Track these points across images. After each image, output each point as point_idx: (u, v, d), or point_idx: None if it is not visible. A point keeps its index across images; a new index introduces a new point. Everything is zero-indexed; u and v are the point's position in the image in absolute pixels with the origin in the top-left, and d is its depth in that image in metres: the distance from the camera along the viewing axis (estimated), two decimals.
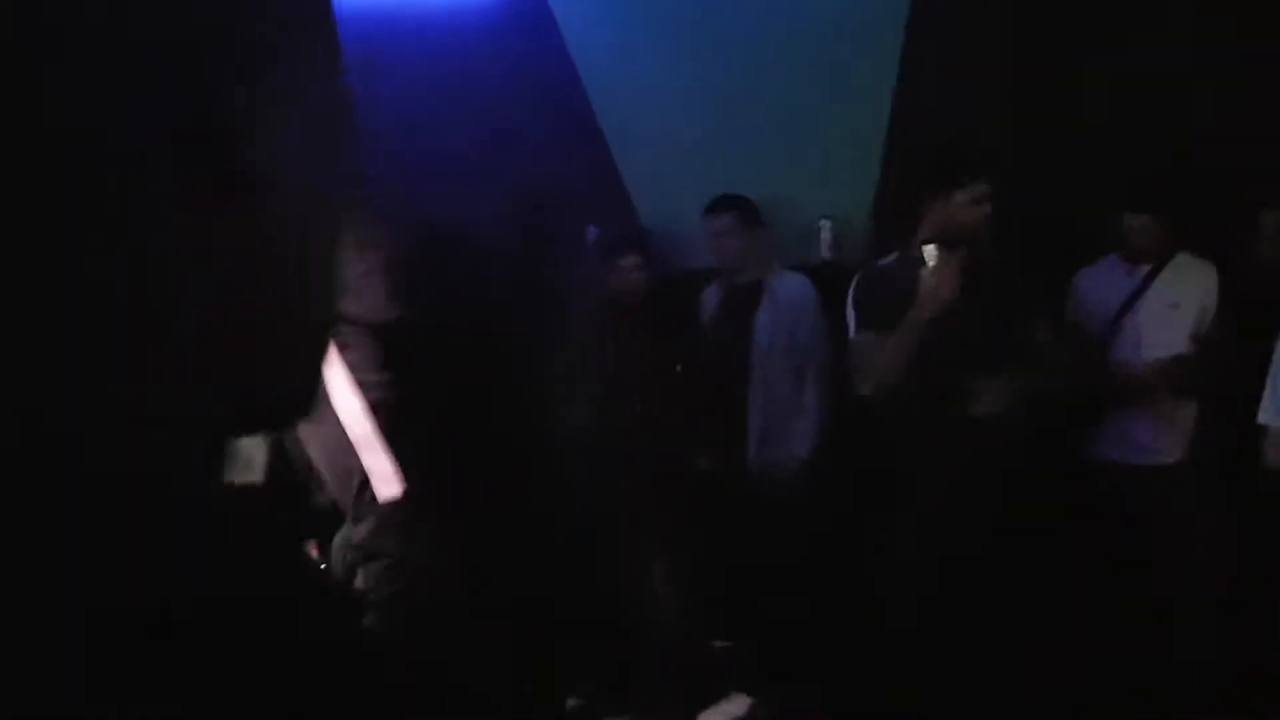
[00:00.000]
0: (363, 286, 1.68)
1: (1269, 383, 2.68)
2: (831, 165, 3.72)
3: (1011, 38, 3.36)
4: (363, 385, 1.56)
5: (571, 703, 3.08)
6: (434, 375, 1.56)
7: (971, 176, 2.69)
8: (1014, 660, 2.65)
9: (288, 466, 1.62)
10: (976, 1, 3.39)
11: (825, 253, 3.79)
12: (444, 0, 3.20)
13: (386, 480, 1.44)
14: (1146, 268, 3.10)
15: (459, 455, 1.53)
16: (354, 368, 1.58)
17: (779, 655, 3.26)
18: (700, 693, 3.24)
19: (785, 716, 3.20)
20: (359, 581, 1.59)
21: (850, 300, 2.89)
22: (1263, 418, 2.65)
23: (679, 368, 3.43)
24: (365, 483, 1.47)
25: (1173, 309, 3.05)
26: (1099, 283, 3.20)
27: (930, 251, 2.64)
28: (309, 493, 1.67)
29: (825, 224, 3.81)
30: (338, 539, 2.11)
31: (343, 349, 1.56)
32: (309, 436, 1.57)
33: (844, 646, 3.09)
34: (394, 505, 1.47)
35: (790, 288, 3.39)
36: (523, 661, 1.60)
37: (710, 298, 3.58)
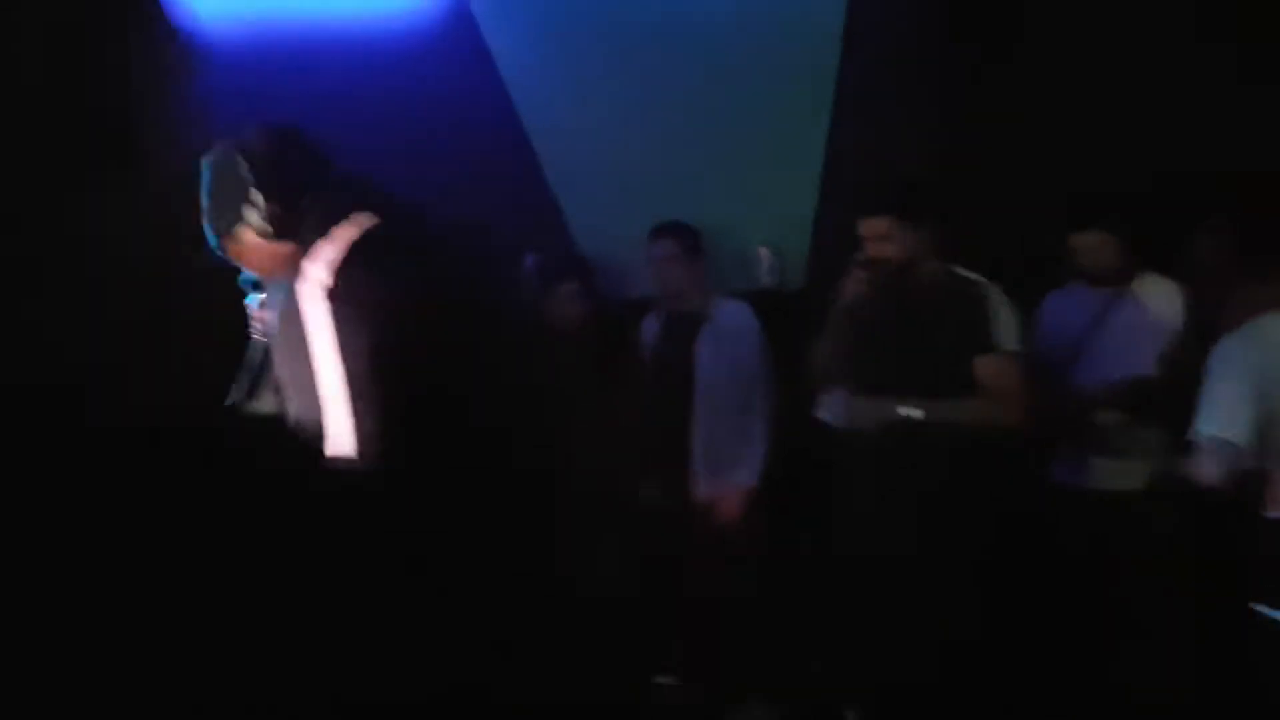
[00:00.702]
0: None
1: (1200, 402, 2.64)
2: (770, 192, 3.71)
3: (949, 60, 3.38)
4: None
5: None
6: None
7: (875, 211, 2.69)
8: (970, 685, 2.63)
9: None
10: (913, 25, 3.41)
11: (765, 279, 3.78)
12: (372, 26, 3.14)
13: (342, 440, 1.50)
14: (1110, 290, 3.08)
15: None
16: None
17: (728, 689, 3.21)
18: None
19: None
20: None
21: None
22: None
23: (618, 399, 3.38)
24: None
25: (1137, 331, 3.01)
26: (1063, 307, 3.17)
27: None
28: None
29: (765, 251, 3.80)
30: None
31: None
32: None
33: (795, 677, 3.05)
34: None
35: (731, 315, 3.37)
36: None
37: (650, 326, 3.54)
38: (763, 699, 3.18)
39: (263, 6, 3.00)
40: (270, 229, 1.71)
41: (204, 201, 1.76)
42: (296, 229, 1.68)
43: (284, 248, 1.70)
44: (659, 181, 3.64)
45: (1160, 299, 3.04)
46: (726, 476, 3.25)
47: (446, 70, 3.29)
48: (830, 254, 3.66)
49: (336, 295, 1.56)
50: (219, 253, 1.79)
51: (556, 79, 3.49)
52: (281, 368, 1.65)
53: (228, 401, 1.82)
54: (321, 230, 1.63)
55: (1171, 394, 2.89)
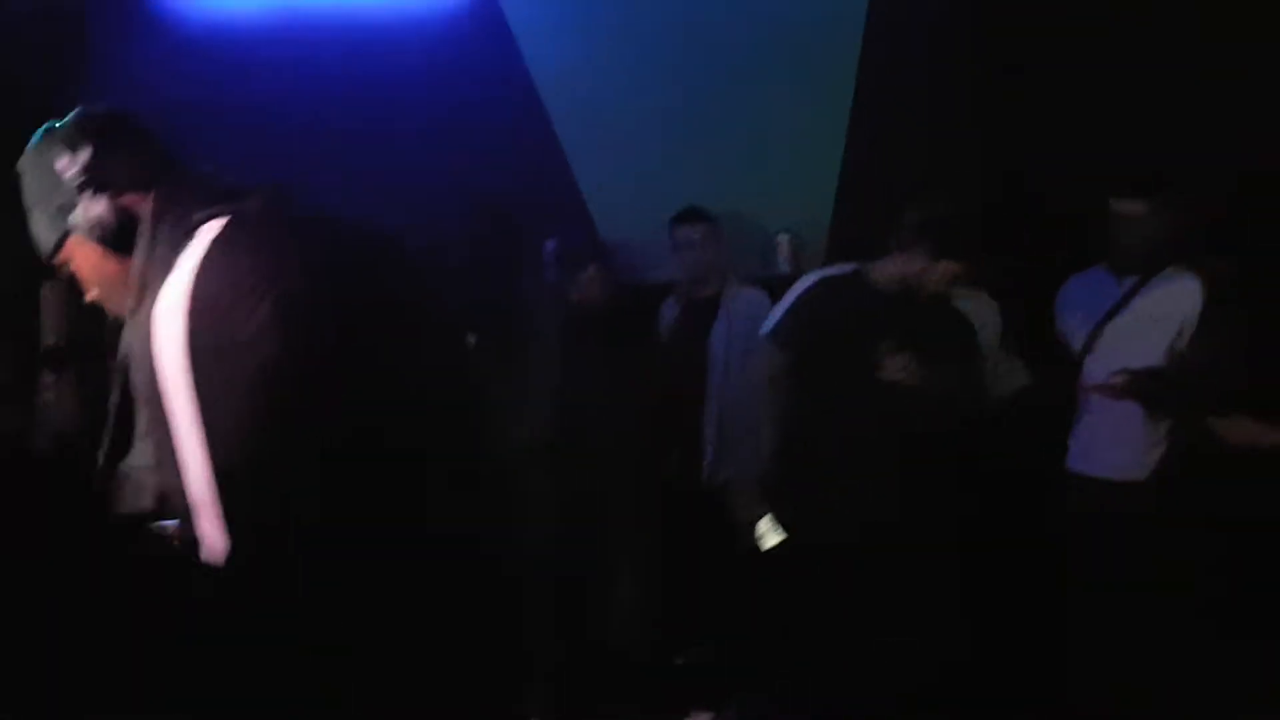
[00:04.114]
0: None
1: None
2: (790, 179, 3.73)
3: (969, 48, 3.37)
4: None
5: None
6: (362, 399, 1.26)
7: (955, 255, 2.74)
8: (968, 668, 2.66)
9: None
10: (934, 12, 3.40)
11: (784, 266, 3.80)
12: (399, 13, 3.18)
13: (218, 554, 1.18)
14: (1133, 279, 3.05)
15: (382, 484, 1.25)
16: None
17: (740, 668, 3.25)
18: (662, 706, 3.23)
19: None
20: None
21: (791, 306, 2.92)
22: None
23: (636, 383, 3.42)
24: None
25: (1153, 323, 2.98)
26: (1083, 291, 3.15)
27: None
28: None
29: (784, 238, 3.82)
30: None
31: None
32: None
33: (804, 660, 3.08)
34: None
35: (746, 302, 3.40)
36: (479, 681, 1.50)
37: (669, 311, 3.58)
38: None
39: None
40: (100, 235, 1.34)
41: (27, 208, 1.41)
42: (132, 237, 1.31)
43: (122, 262, 1.33)
44: (680, 167, 3.67)
45: (1180, 291, 3.03)
46: (737, 461, 3.29)
47: (470, 55, 3.33)
48: (848, 242, 3.67)
49: (196, 322, 1.19)
50: (56, 269, 1.42)
51: (580, 65, 3.52)
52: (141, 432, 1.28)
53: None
54: (173, 239, 1.27)
55: (1185, 387, 2.90)
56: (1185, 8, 3.11)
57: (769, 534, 2.78)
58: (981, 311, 3.16)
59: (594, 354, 3.33)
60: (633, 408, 3.35)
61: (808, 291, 2.91)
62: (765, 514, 2.88)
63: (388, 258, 1.41)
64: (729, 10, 3.49)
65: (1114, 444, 3.01)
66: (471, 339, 2.97)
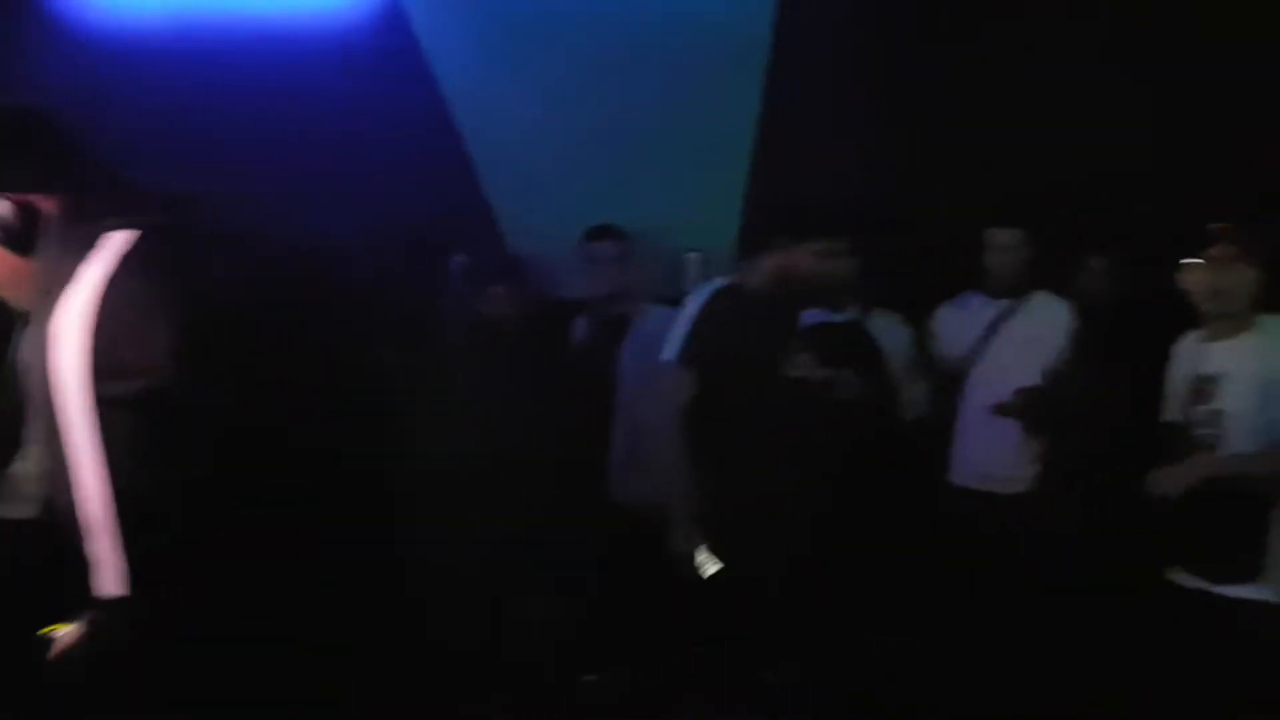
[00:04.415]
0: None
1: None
2: (699, 198, 3.79)
3: (873, 72, 3.47)
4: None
5: None
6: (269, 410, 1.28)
7: (824, 233, 2.72)
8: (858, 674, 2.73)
9: None
10: (837, 34, 3.49)
11: (692, 286, 3.84)
12: (305, 25, 3.13)
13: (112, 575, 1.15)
14: (1005, 303, 3.21)
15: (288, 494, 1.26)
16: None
17: (650, 689, 3.27)
18: None
19: None
20: None
21: (693, 325, 2.80)
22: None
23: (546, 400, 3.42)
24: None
25: (1027, 344, 3.15)
26: (959, 316, 3.31)
27: None
28: None
29: (693, 256, 3.87)
30: None
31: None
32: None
33: (713, 678, 3.11)
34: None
35: (656, 320, 3.43)
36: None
37: (580, 328, 3.59)
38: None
39: (194, 2, 2.98)
40: (2, 236, 1.30)
41: None
42: (33, 240, 1.28)
43: (25, 264, 1.30)
44: (590, 184, 3.69)
45: (1051, 315, 3.20)
46: (646, 478, 3.31)
47: (379, 68, 3.30)
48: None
49: (97, 341, 1.16)
50: None
51: (489, 80, 3.52)
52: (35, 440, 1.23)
53: None
54: (78, 247, 1.24)
55: (1059, 405, 3.06)
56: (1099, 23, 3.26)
57: (707, 563, 2.76)
58: (892, 333, 3.27)
59: (504, 370, 3.33)
60: (543, 424, 3.36)
61: (705, 307, 2.80)
62: (701, 543, 2.82)
63: (298, 273, 1.43)
64: (638, 32, 3.53)
65: (994, 459, 3.16)
66: (382, 354, 2.95)
